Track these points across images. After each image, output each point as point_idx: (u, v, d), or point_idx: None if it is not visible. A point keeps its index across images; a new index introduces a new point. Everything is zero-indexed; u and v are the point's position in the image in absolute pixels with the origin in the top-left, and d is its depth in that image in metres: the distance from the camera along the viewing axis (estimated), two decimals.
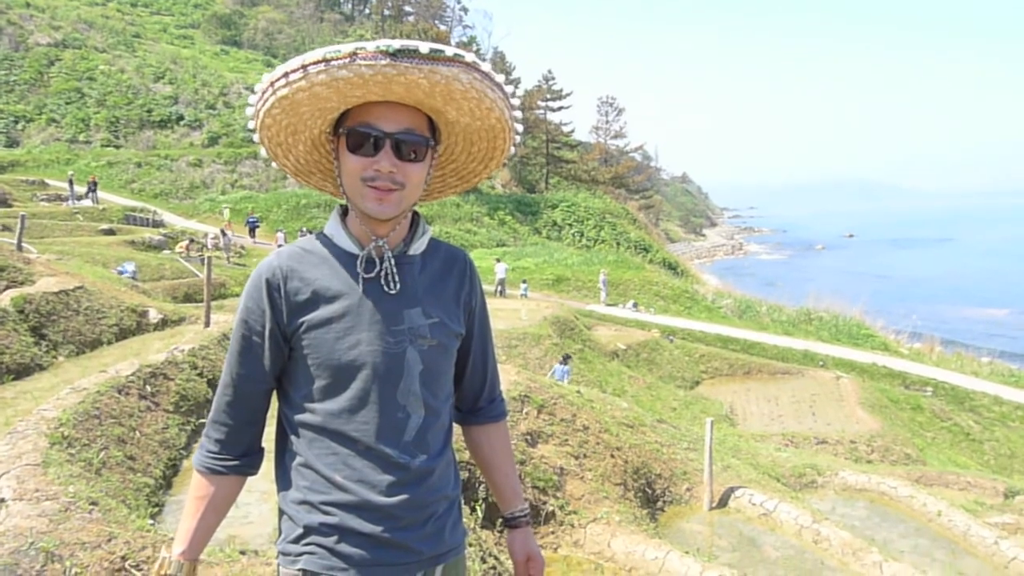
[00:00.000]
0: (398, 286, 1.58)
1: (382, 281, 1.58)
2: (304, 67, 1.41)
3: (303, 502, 1.56)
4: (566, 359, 15.16)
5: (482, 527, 5.28)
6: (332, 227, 1.63)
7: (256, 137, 1.58)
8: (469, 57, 1.44)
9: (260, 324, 1.56)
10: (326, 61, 1.40)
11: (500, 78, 1.52)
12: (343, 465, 1.54)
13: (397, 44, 1.38)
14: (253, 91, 1.52)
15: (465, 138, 1.65)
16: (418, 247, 1.64)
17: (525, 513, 1.86)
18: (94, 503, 3.65)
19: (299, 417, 1.58)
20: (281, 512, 1.63)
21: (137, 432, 5.44)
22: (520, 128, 1.64)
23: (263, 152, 1.61)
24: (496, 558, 4.78)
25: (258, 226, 33.20)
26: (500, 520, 1.91)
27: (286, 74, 1.43)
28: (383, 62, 1.38)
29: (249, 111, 1.54)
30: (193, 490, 1.64)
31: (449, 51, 1.41)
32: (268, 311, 1.55)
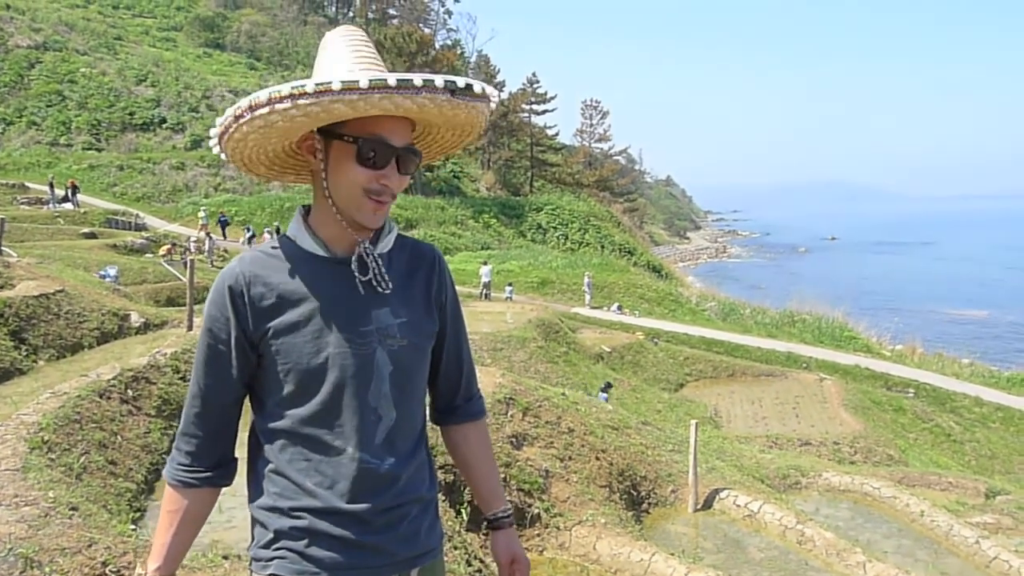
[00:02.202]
0: (390, 285, 1.57)
1: (374, 283, 1.55)
2: (309, 93, 1.37)
3: (273, 508, 1.54)
4: (607, 387, 15.25)
5: (467, 530, 5.27)
6: (295, 229, 1.60)
7: (221, 152, 1.54)
8: (477, 87, 1.45)
9: (225, 332, 1.53)
10: (340, 90, 1.36)
11: (488, 92, 1.51)
12: (314, 471, 1.52)
13: (418, 80, 1.37)
14: (236, 115, 1.44)
15: (440, 131, 1.65)
16: (385, 245, 1.62)
17: (508, 514, 1.83)
18: (74, 508, 3.62)
19: (270, 424, 1.56)
20: (253, 519, 1.60)
21: (119, 437, 5.40)
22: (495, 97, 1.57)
23: (224, 158, 1.57)
24: (481, 561, 4.77)
25: (228, 223, 32.90)
26: (483, 522, 1.84)
27: (283, 98, 1.38)
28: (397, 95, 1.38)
29: (216, 131, 1.50)
30: (166, 504, 1.60)
31: (460, 81, 1.42)
32: (232, 318, 1.52)
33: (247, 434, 1.64)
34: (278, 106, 1.37)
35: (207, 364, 1.56)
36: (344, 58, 1.51)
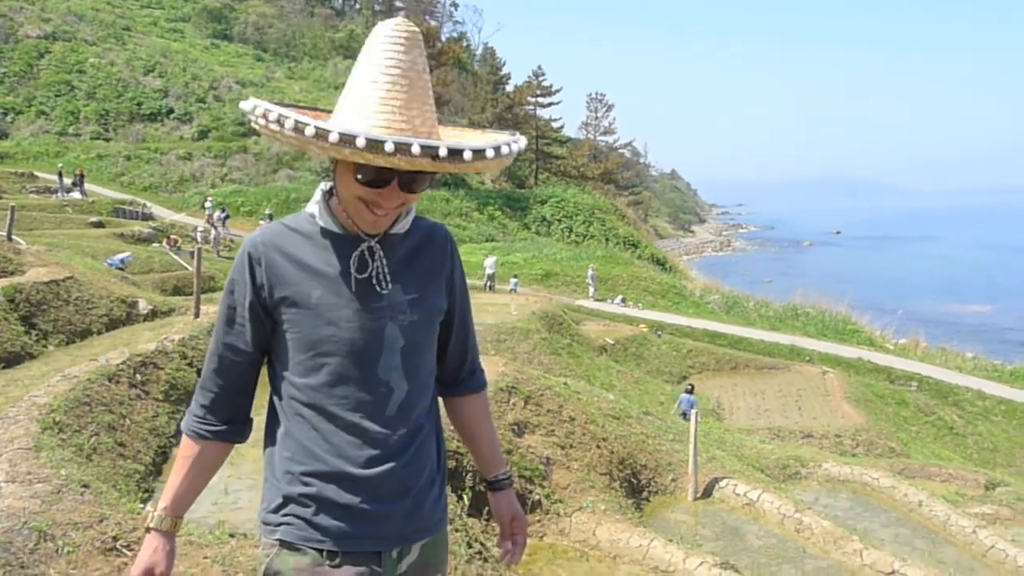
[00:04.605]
0: (389, 287, 1.61)
1: (373, 281, 1.60)
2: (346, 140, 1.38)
3: (286, 472, 1.60)
4: (691, 389, 15.32)
5: (469, 515, 5.35)
6: (315, 207, 1.64)
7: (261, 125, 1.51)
8: (508, 148, 1.48)
9: (243, 296, 1.61)
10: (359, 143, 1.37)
11: (517, 143, 1.53)
12: (323, 439, 1.58)
13: (443, 151, 1.38)
14: (279, 117, 1.43)
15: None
16: (402, 226, 1.65)
17: (508, 475, 1.92)
18: (85, 486, 3.71)
19: (284, 391, 1.62)
20: (266, 479, 1.67)
21: (127, 420, 5.49)
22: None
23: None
24: (482, 544, 4.85)
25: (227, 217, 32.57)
26: (484, 484, 1.93)
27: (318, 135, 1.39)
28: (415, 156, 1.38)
29: (262, 116, 1.47)
30: (181, 450, 1.69)
31: (468, 153, 1.42)
32: (249, 284, 1.60)
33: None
34: (303, 135, 1.40)
35: (225, 324, 1.64)
36: (379, 90, 1.47)
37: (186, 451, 1.68)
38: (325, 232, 1.61)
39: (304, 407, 1.60)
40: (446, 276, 1.75)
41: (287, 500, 1.60)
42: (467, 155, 1.41)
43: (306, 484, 1.58)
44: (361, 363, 1.59)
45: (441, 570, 1.77)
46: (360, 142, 1.37)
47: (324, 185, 1.66)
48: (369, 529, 1.59)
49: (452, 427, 1.95)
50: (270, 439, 1.67)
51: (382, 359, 1.60)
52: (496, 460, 1.92)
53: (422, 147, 1.37)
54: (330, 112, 1.60)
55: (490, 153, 1.44)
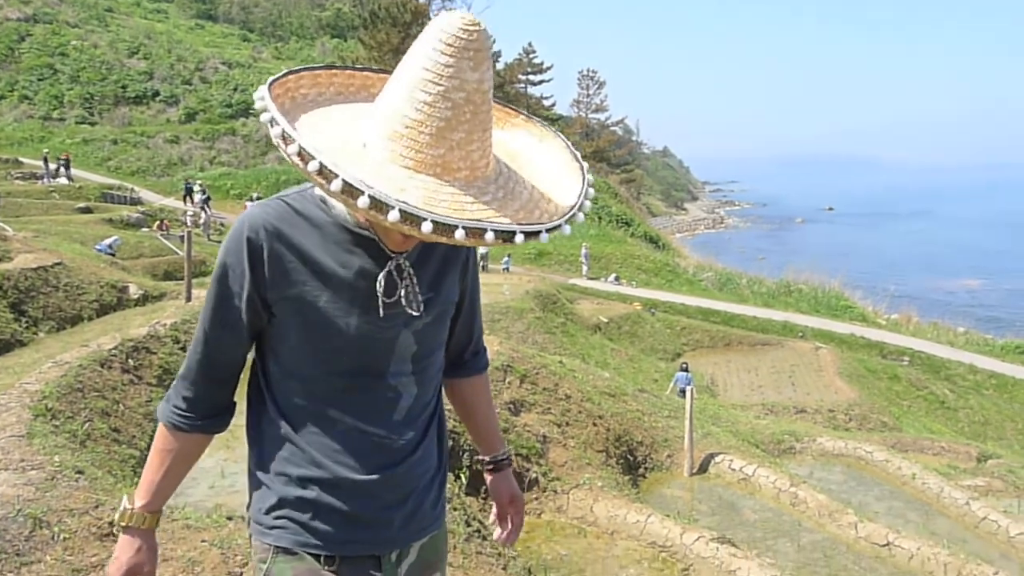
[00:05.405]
0: (422, 307, 1.44)
1: (404, 303, 1.42)
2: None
3: (280, 473, 1.48)
4: (686, 368, 15.42)
5: (467, 493, 5.36)
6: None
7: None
8: (581, 216, 1.29)
9: (239, 285, 1.41)
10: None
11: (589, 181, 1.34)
12: (325, 445, 1.46)
13: (491, 236, 1.17)
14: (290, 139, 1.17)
15: None
16: None
17: (507, 456, 1.86)
18: (80, 472, 3.69)
19: (280, 388, 1.49)
20: (253, 476, 1.54)
21: (121, 405, 5.46)
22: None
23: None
24: (480, 523, 4.85)
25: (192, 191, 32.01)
26: (483, 463, 1.89)
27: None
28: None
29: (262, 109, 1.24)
30: (158, 443, 1.52)
31: (545, 236, 1.23)
32: (248, 273, 1.40)
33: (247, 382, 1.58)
34: (323, 180, 1.15)
35: (215, 312, 1.45)
36: (434, 119, 1.20)
37: (164, 443, 1.51)
38: (336, 224, 1.41)
39: (304, 410, 1.47)
40: (462, 262, 1.59)
41: (282, 502, 1.48)
42: (544, 237, 1.21)
43: (303, 488, 1.47)
44: (370, 371, 1.46)
45: (440, 568, 1.70)
46: (426, 227, 1.13)
47: None
48: (368, 534, 1.50)
49: (451, 407, 1.89)
50: (259, 435, 1.52)
51: (392, 366, 1.48)
52: (495, 440, 1.86)
53: (466, 230, 1.15)
54: (361, 74, 1.42)
55: (580, 217, 1.26)
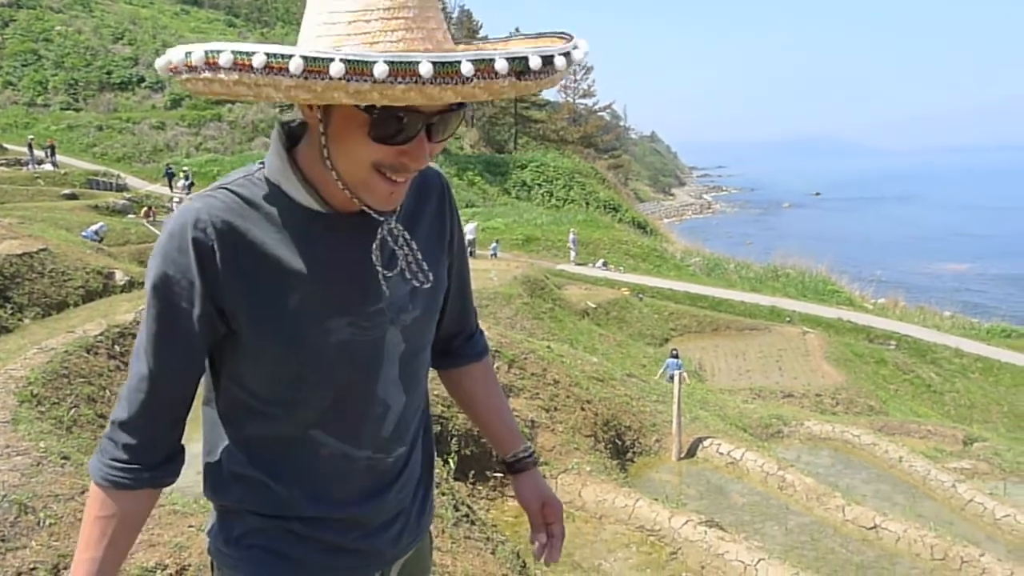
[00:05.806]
0: (431, 276, 1.24)
1: (408, 274, 1.23)
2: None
3: (247, 510, 1.28)
4: (676, 354, 15.44)
5: (455, 478, 5.36)
6: (278, 170, 1.17)
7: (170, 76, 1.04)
8: (561, 60, 1.01)
9: (186, 299, 1.13)
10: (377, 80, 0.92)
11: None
12: (303, 475, 1.26)
13: (535, 60, 0.98)
14: (206, 61, 0.97)
15: None
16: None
17: (529, 453, 1.57)
18: (66, 458, 3.66)
19: (241, 420, 1.26)
20: (211, 498, 1.33)
21: (107, 391, 5.42)
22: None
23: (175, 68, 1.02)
24: (469, 507, 4.86)
25: (174, 175, 31.71)
26: (503, 465, 1.60)
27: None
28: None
29: (165, 64, 1.02)
30: (93, 509, 1.21)
31: (561, 59, 1.01)
32: (198, 282, 1.12)
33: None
34: (275, 78, 0.93)
35: (159, 338, 1.16)
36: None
37: (102, 509, 1.20)
38: (298, 208, 1.16)
39: (275, 442, 1.25)
40: (447, 240, 1.39)
41: (250, 533, 1.28)
42: (559, 61, 1.00)
43: (276, 521, 1.27)
44: (355, 384, 1.23)
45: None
46: (425, 69, 0.91)
47: (279, 134, 1.18)
48: (349, 561, 1.32)
49: (454, 402, 1.69)
50: (215, 462, 1.29)
51: (381, 374, 1.25)
52: (512, 436, 1.57)
53: (508, 60, 0.95)
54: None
55: (534, 61, 0.97)
